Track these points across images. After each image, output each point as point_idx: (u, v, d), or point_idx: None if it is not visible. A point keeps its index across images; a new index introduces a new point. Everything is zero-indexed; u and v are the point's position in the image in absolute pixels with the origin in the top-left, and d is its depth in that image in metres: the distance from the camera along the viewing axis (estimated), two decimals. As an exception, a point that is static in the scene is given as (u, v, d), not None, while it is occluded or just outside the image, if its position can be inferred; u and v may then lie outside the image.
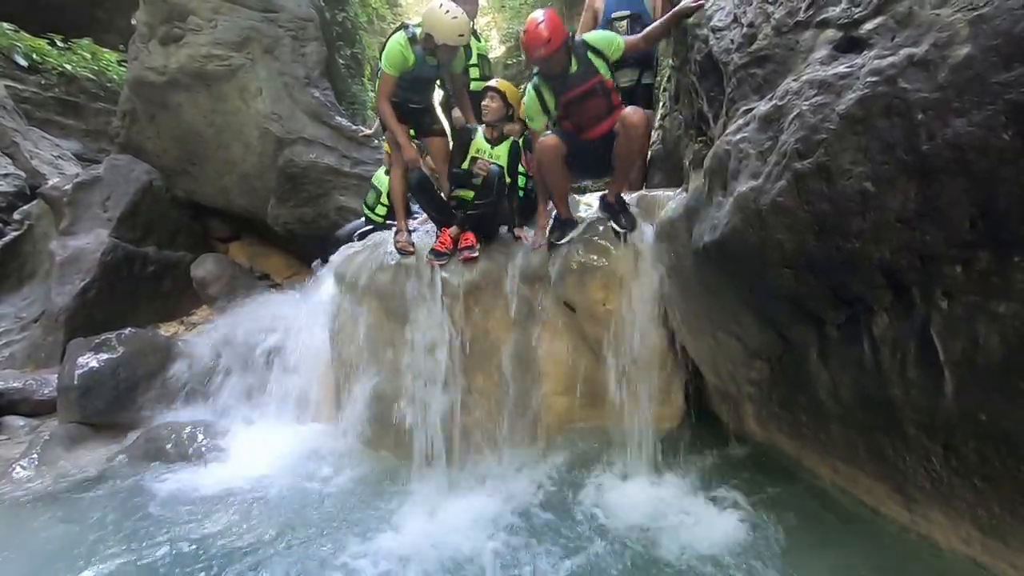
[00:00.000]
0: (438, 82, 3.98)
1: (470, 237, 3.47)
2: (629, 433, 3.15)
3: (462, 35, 3.31)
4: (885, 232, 1.80)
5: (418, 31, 3.39)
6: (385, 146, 4.96)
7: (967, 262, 1.69)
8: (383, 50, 3.51)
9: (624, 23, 4.06)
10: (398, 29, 3.47)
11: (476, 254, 3.43)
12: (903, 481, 2.17)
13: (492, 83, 3.68)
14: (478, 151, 3.62)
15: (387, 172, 4.90)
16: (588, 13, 4.36)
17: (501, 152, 3.60)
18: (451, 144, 3.92)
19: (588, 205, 3.77)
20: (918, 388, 1.93)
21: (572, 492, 3.00)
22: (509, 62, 10.75)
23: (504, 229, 3.76)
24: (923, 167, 1.66)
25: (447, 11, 3.26)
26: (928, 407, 1.92)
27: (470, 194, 3.56)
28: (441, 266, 3.41)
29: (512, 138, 3.68)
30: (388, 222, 4.41)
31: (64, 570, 2.56)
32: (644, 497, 2.89)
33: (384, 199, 4.67)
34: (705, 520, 2.64)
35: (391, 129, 3.50)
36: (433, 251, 3.46)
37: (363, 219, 4.83)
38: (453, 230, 3.52)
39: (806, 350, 2.40)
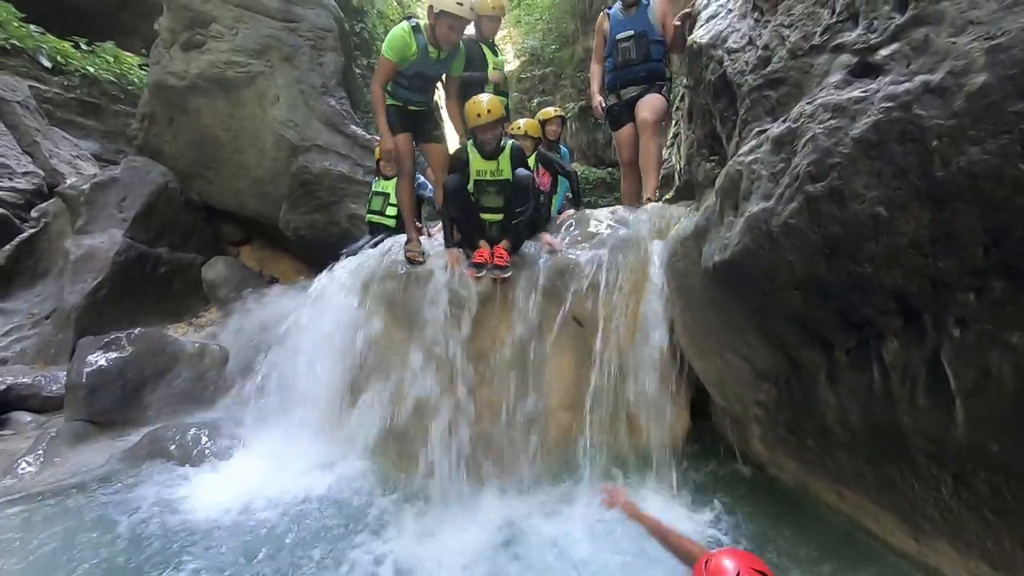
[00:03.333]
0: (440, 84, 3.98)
1: (503, 253, 3.41)
2: (634, 450, 3.13)
3: (460, 4, 3.28)
4: (897, 257, 1.80)
5: (421, 22, 3.44)
6: (378, 150, 4.99)
7: (980, 290, 1.68)
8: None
9: (630, 42, 4.09)
10: (401, 20, 3.53)
11: (508, 274, 3.37)
12: (911, 511, 2.14)
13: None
14: (479, 172, 3.46)
15: (377, 184, 4.98)
16: (598, 36, 4.40)
17: (504, 165, 3.45)
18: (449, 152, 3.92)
19: (598, 221, 3.77)
20: (928, 416, 1.91)
21: (573, 507, 2.97)
22: (523, 75, 10.85)
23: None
24: (937, 193, 1.65)
25: None
26: (938, 436, 1.89)
27: (497, 217, 3.51)
28: (479, 279, 3.39)
29: (511, 142, 3.50)
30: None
31: (61, 568, 2.56)
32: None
33: (393, 199, 4.70)
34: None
35: (377, 113, 3.53)
36: (473, 264, 3.40)
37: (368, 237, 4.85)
38: (485, 245, 3.47)
39: (815, 374, 2.37)
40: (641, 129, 4.02)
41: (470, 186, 3.49)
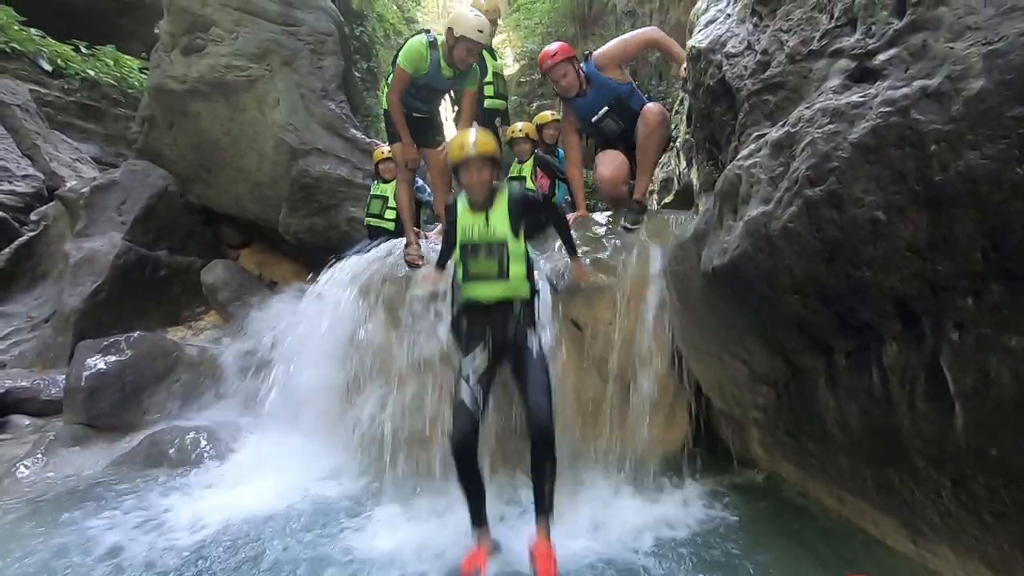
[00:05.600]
0: (448, 97, 4.02)
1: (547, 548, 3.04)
2: (633, 454, 3.12)
3: (481, 31, 3.36)
4: (896, 261, 1.80)
5: (438, 37, 3.50)
6: (377, 153, 5.00)
7: (979, 294, 1.68)
8: (399, 50, 3.61)
9: (607, 118, 3.77)
10: (419, 33, 3.58)
11: None
12: (911, 514, 2.14)
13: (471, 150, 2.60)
14: (464, 230, 2.65)
15: (376, 187, 4.99)
16: (570, 134, 4.03)
17: (497, 222, 2.62)
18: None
19: (597, 224, 3.78)
20: (927, 420, 1.91)
21: (570, 513, 2.96)
22: (523, 79, 10.86)
23: None
24: (935, 198, 1.66)
25: (474, 12, 3.46)
26: (937, 440, 1.89)
27: (494, 292, 2.63)
28: None
29: (510, 188, 2.73)
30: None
31: (53, 572, 2.55)
32: (644, 519, 2.85)
33: (392, 203, 4.71)
34: (704, 546, 2.60)
35: (396, 122, 3.57)
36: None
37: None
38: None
39: (814, 377, 2.38)
40: (645, 122, 3.60)
41: (456, 256, 2.69)
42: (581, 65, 3.73)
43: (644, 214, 3.62)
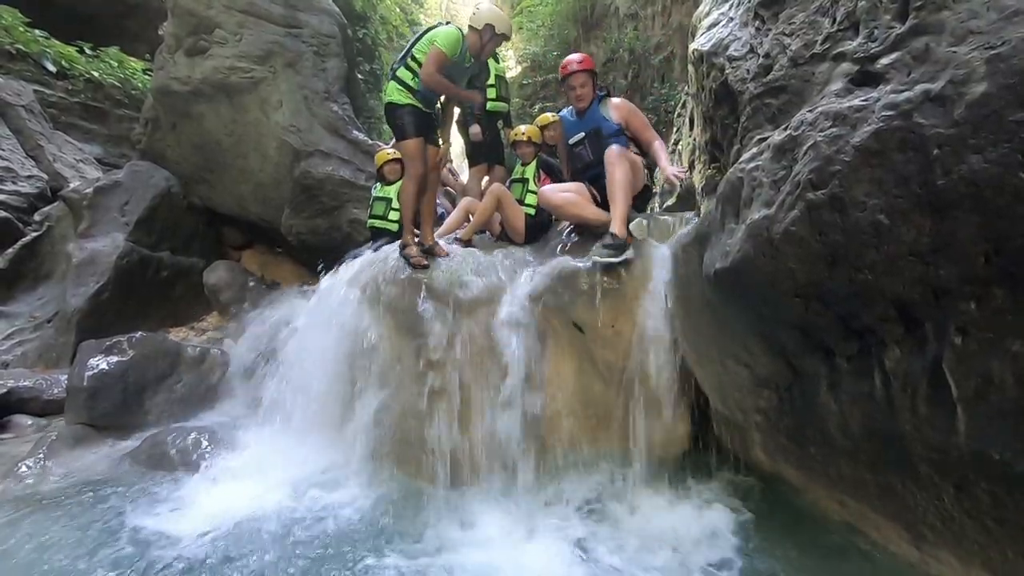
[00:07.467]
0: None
1: None
2: (633, 457, 3.12)
3: (510, 26, 3.61)
4: (898, 265, 1.80)
5: (465, 30, 3.62)
6: (381, 155, 4.98)
7: (981, 298, 1.68)
8: (424, 34, 3.68)
9: (583, 145, 3.76)
10: (441, 24, 3.68)
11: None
12: (913, 519, 2.13)
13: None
14: None
15: (379, 189, 4.97)
16: (562, 148, 4.05)
17: None
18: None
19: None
20: (930, 425, 1.90)
21: (571, 515, 2.96)
22: (525, 82, 10.88)
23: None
24: (938, 202, 1.66)
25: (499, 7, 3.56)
26: (940, 445, 1.89)
27: None
28: None
29: None
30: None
31: (55, 572, 2.55)
32: (644, 522, 2.85)
33: (395, 204, 4.70)
34: (704, 550, 2.59)
35: (445, 87, 3.62)
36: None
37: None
38: None
39: (816, 381, 2.37)
40: (607, 158, 3.44)
41: None
42: (597, 92, 3.77)
43: (623, 251, 3.19)
